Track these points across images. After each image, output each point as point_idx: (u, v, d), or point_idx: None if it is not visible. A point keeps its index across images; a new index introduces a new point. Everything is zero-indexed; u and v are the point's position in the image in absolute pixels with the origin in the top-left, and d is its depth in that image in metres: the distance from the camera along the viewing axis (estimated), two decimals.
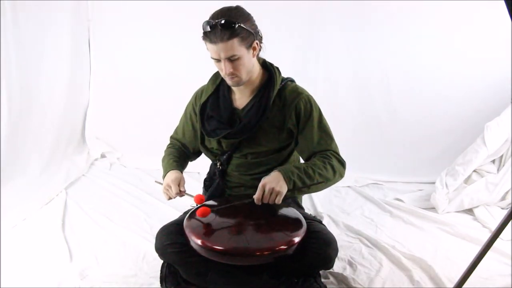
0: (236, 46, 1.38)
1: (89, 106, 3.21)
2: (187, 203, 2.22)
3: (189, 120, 1.68)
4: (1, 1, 2.38)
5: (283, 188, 1.37)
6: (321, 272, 1.56)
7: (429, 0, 2.72)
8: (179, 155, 1.69)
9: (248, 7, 1.44)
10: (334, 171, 1.47)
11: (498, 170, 2.41)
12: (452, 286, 1.41)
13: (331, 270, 1.64)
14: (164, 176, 1.59)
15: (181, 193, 1.51)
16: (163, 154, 1.71)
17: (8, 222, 2.02)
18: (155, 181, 1.72)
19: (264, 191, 1.36)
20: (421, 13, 2.82)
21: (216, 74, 1.63)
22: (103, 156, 3.03)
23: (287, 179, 1.38)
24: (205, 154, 1.70)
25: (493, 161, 2.46)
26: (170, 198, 1.53)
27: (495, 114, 2.42)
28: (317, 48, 2.99)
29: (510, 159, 2.36)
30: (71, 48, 2.99)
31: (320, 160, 1.48)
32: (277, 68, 1.59)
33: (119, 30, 3.11)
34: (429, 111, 2.94)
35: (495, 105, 2.62)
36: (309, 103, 1.54)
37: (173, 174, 1.55)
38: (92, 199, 2.36)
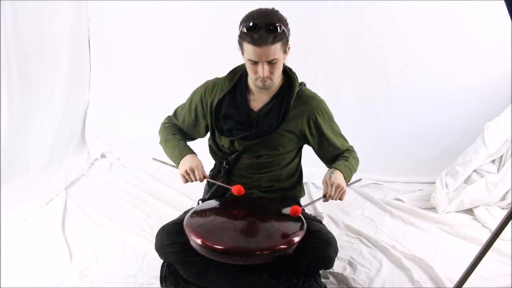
0: (278, 50, 1.37)
1: (89, 106, 3.21)
2: (187, 203, 2.23)
3: (193, 111, 1.63)
4: (1, 1, 2.37)
5: (345, 186, 1.44)
6: (321, 272, 1.57)
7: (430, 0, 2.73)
8: (183, 138, 1.66)
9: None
10: (357, 163, 1.61)
11: (498, 170, 2.41)
12: (452, 286, 1.41)
13: (331, 270, 1.64)
14: (177, 157, 1.55)
15: (204, 178, 1.49)
16: (161, 127, 1.70)
17: (8, 222, 2.01)
18: (153, 158, 1.67)
19: (333, 188, 1.40)
20: (421, 14, 2.82)
21: (234, 72, 1.58)
22: (103, 156, 3.03)
23: (346, 177, 1.48)
24: (212, 151, 1.69)
25: (493, 161, 2.46)
26: (187, 182, 1.51)
27: (495, 114, 2.42)
28: (317, 48, 2.99)
29: (510, 159, 2.36)
30: (71, 48, 2.98)
31: (350, 157, 1.57)
32: (294, 72, 1.56)
33: (119, 30, 3.11)
34: (429, 111, 2.95)
35: (495, 105, 2.62)
36: (326, 111, 1.57)
37: (194, 159, 1.52)
38: (92, 199, 2.35)
